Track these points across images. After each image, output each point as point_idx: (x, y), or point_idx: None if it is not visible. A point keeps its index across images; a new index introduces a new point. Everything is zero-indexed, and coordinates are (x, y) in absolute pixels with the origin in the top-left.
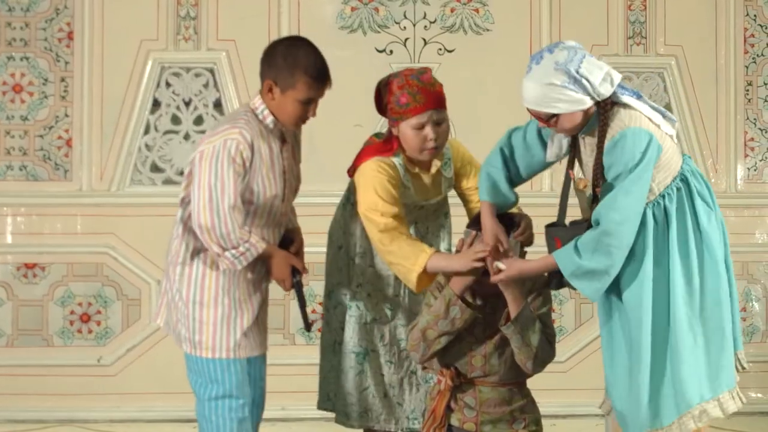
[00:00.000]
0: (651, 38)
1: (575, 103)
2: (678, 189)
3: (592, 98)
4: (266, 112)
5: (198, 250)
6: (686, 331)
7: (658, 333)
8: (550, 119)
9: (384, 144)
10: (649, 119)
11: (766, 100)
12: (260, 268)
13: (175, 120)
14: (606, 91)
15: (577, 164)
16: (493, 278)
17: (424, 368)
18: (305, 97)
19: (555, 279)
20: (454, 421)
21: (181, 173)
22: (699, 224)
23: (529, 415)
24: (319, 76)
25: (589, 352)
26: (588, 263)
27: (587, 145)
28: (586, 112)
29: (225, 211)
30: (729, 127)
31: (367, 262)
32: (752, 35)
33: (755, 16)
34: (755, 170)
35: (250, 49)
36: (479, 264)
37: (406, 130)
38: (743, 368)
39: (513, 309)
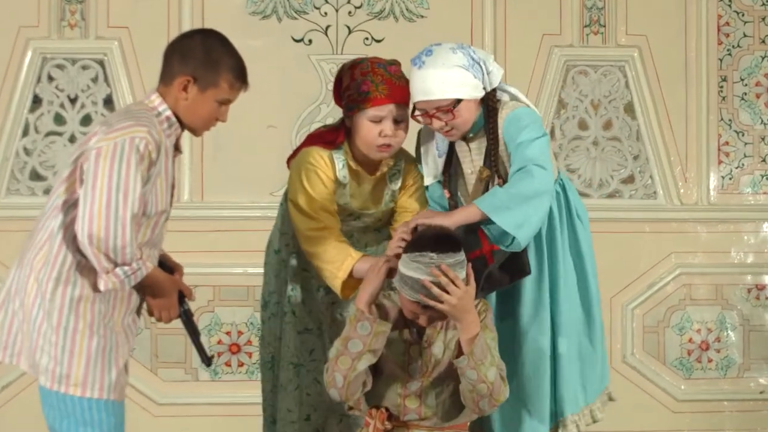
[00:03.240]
0: (611, 27)
1: (474, 88)
2: (557, 192)
3: (484, 87)
4: (169, 112)
5: (76, 266)
6: (565, 337)
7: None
8: (453, 107)
9: (328, 133)
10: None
11: (743, 98)
12: (134, 294)
13: (59, 120)
14: (495, 80)
15: (452, 185)
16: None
17: (349, 409)
18: (225, 98)
19: (485, 285)
20: None
21: None
22: (576, 238)
23: None
24: (242, 76)
25: None
26: (520, 189)
27: (473, 150)
28: (477, 105)
29: (125, 220)
30: (700, 130)
31: (300, 264)
32: (727, 23)
33: (730, 1)
34: (730, 179)
35: (146, 37)
36: (394, 262)
37: (362, 121)
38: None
39: (466, 337)
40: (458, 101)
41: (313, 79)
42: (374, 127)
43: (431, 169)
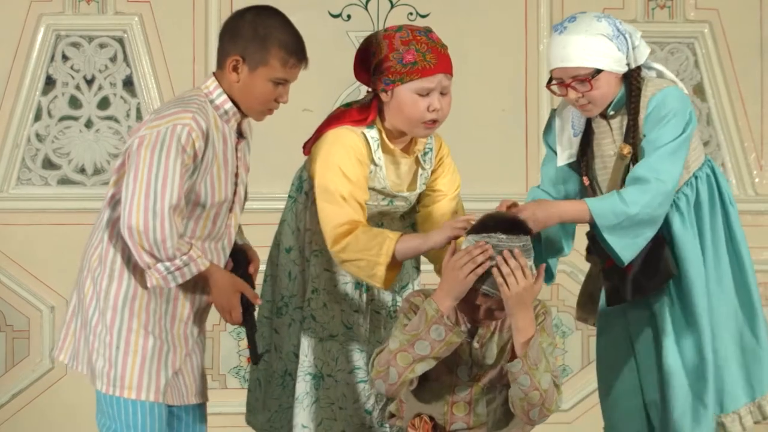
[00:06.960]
0: (678, 0)
1: (617, 62)
2: (707, 175)
3: (627, 63)
4: (224, 97)
5: (127, 263)
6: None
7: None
8: (592, 78)
9: (359, 111)
10: (683, 90)
11: None
12: (202, 294)
13: (74, 103)
14: (641, 56)
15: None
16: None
17: (390, 417)
18: (278, 76)
19: (635, 292)
20: None
21: (82, 170)
22: (729, 223)
23: None
24: (296, 51)
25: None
26: (637, 212)
27: (615, 129)
28: (618, 81)
29: (164, 212)
30: None
31: (323, 263)
32: None
33: None
34: None
35: (169, 13)
36: (459, 232)
37: (406, 95)
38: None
39: (521, 339)
40: (597, 72)
41: (352, 58)
42: (421, 101)
43: (566, 148)
